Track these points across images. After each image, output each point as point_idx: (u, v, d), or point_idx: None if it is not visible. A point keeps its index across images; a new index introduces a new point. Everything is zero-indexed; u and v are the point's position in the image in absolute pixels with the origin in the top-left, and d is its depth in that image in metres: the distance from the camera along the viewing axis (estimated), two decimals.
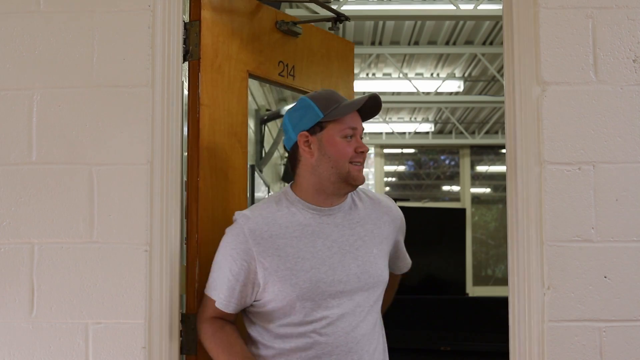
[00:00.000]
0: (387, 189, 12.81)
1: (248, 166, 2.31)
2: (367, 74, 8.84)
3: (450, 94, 9.72)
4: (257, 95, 7.49)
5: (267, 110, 8.02)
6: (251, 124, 7.25)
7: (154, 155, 1.92)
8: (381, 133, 11.82)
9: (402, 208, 2.06)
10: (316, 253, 1.82)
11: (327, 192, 1.86)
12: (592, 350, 1.85)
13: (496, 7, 6.05)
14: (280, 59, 2.42)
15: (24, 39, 1.94)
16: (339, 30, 2.63)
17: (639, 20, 1.92)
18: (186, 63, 2.11)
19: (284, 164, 9.00)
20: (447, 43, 8.00)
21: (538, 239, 1.88)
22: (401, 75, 8.76)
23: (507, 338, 1.96)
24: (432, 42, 7.98)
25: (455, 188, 13.01)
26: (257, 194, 5.92)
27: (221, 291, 1.84)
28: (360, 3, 6.21)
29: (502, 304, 2.17)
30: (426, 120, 11.45)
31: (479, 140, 11.83)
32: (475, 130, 11.87)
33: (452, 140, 12.18)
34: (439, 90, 9.15)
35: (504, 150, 2.08)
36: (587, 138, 1.89)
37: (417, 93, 9.08)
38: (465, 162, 12.65)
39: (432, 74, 9.09)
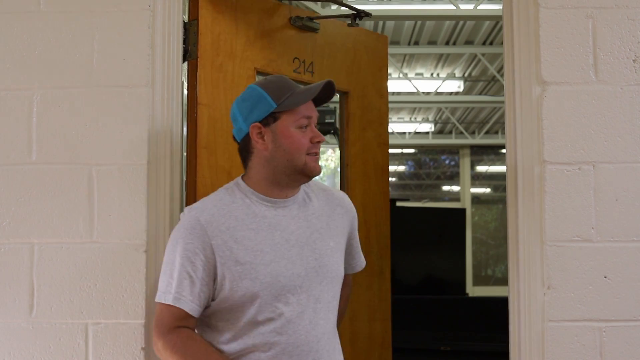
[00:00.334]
0: None
1: None
2: None
3: (450, 94, 9.73)
4: None
5: None
6: None
7: (153, 155, 1.92)
8: None
9: (402, 208, 2.06)
10: (275, 246, 1.71)
11: (282, 184, 1.77)
12: (592, 350, 1.85)
13: (496, 7, 6.06)
14: (296, 55, 2.40)
15: (24, 39, 1.94)
16: (357, 27, 2.57)
17: (639, 20, 1.92)
18: (186, 63, 2.11)
19: None
20: (447, 43, 8.01)
21: (538, 239, 1.88)
22: (401, 75, 8.77)
23: (507, 338, 1.96)
24: (432, 42, 7.99)
25: (455, 188, 13.02)
26: None
27: (183, 294, 1.66)
28: (361, 3, 6.21)
29: (502, 304, 2.17)
30: (426, 120, 11.45)
31: (479, 140, 11.84)
32: (475, 130, 11.88)
33: (452, 140, 12.19)
34: (439, 90, 9.16)
35: (504, 150, 2.08)
36: (587, 138, 1.89)
37: (417, 93, 9.10)
38: (465, 162, 12.66)
39: (432, 74, 9.10)
